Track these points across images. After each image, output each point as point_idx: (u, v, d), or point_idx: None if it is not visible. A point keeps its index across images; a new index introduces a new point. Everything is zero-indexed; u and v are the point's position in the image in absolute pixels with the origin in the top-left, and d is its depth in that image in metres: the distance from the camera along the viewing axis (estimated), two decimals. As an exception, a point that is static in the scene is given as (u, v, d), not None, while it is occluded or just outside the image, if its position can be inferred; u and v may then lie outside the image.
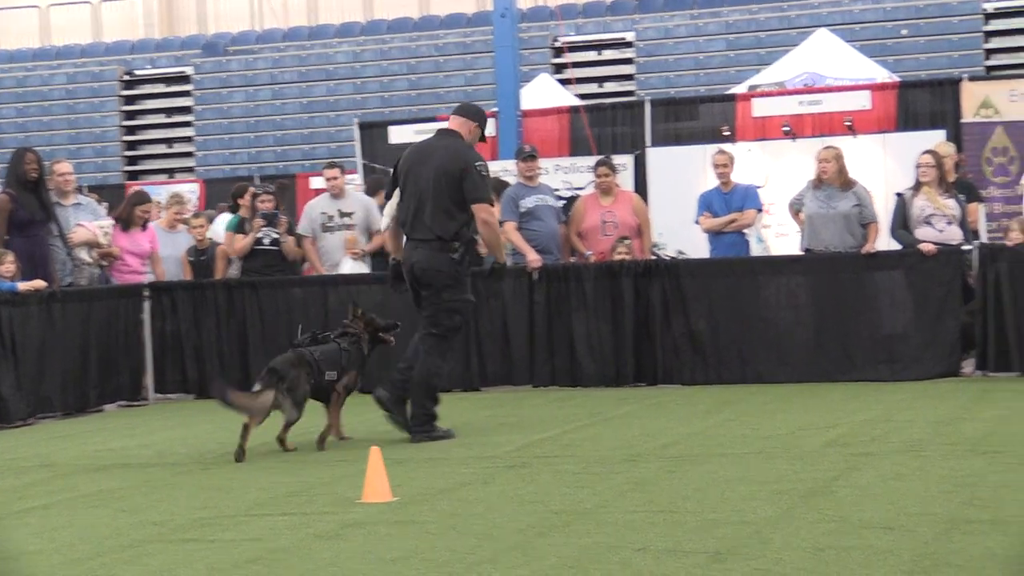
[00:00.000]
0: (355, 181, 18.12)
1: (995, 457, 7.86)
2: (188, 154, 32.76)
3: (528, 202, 13.89)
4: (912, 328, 12.80)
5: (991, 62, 22.84)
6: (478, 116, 10.21)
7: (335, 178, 14.69)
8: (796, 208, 13.49)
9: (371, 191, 16.52)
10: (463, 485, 7.77)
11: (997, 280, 12.64)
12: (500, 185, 15.04)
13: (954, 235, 12.95)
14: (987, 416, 9.89)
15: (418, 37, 32.04)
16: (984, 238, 14.36)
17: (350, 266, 14.50)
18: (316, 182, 20.13)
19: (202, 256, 14.90)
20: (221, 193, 17.93)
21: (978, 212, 14.31)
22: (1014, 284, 12.58)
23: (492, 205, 10.03)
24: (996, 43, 23.29)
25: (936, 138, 15.82)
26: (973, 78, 18.71)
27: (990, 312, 12.64)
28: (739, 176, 14.77)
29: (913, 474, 7.39)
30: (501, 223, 14.08)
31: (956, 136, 17.14)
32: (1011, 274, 12.61)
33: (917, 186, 13.05)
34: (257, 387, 9.42)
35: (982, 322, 12.67)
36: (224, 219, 16.11)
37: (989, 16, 23.40)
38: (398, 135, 19.06)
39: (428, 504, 7.18)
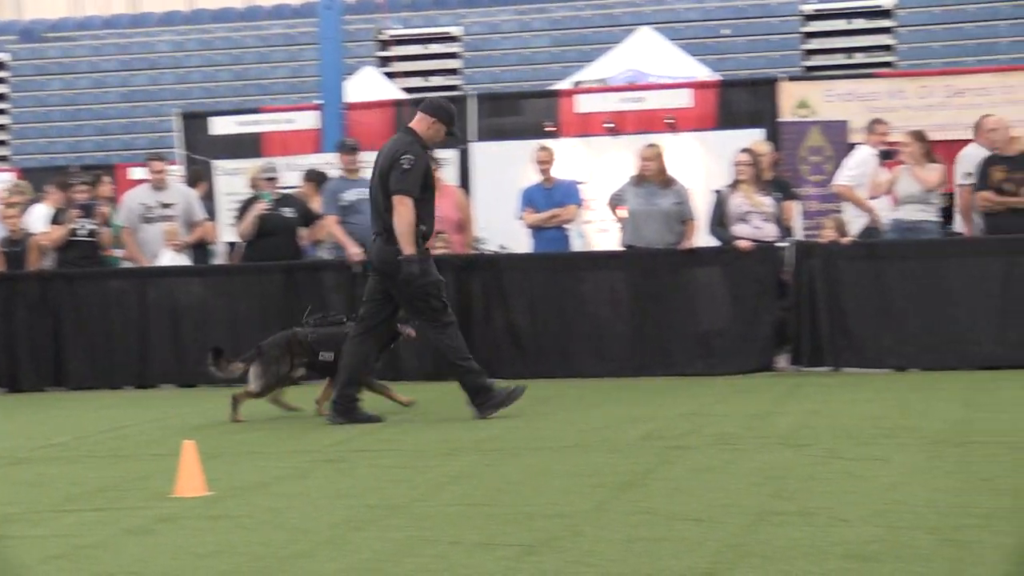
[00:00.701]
0: (176, 172, 17.85)
1: (804, 450, 8.02)
2: (2, 142, 31.98)
3: (349, 196, 13.83)
4: (728, 323, 13.04)
5: (809, 63, 23.34)
6: (438, 112, 10.29)
7: (160, 171, 14.50)
8: (615, 203, 13.65)
9: (192, 182, 16.31)
10: (280, 479, 7.71)
11: (811, 277, 12.93)
12: (318, 177, 14.97)
13: (770, 232, 13.21)
14: (798, 410, 10.10)
15: (242, 27, 31.71)
16: (800, 235, 14.65)
17: (169, 258, 14.31)
18: (137, 172, 19.79)
19: (16, 247, 14.55)
20: (38, 183, 17.56)
21: (793, 210, 14.60)
22: (827, 281, 12.88)
23: (409, 197, 10.02)
24: (814, 44, 23.80)
25: (754, 137, 16.08)
26: (791, 78, 19.08)
27: (804, 308, 12.92)
28: (562, 172, 14.88)
29: (724, 467, 7.52)
30: (322, 217, 14.05)
31: (774, 135, 17.43)
32: (825, 271, 12.91)
33: (734, 184, 13.29)
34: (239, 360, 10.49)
35: (796, 318, 12.95)
36: (39, 209, 15.74)
37: (808, 18, 23.91)
38: (220, 126, 18.82)
39: (243, 498, 7.11)
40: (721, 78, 20.12)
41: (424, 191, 10.11)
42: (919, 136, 13.80)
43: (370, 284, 10.39)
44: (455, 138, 10.77)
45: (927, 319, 12.80)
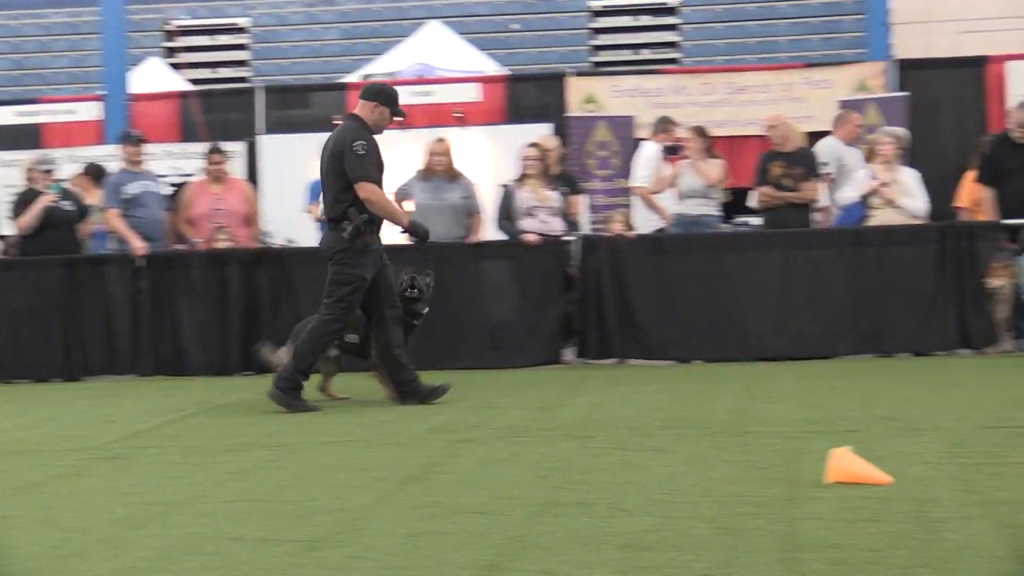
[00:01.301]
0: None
1: (587, 442, 8.11)
2: None
3: (132, 188, 13.58)
4: (516, 316, 13.13)
5: (597, 59, 23.60)
6: (379, 96, 10.27)
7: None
8: (401, 197, 13.62)
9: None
10: (56, 478, 7.53)
11: (597, 270, 13.08)
12: (96, 171, 14.67)
13: (556, 227, 13.33)
14: (584, 402, 10.21)
15: (22, 15, 30.84)
16: (586, 229, 14.82)
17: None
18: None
19: None
20: None
21: (580, 204, 14.75)
22: (613, 274, 13.05)
23: (371, 182, 10.04)
24: (602, 40, 24.07)
25: (542, 131, 16.22)
26: (578, 73, 19.29)
27: (590, 301, 13.08)
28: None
29: (509, 459, 7.57)
30: (104, 209, 13.76)
31: (561, 130, 17.61)
32: (611, 264, 13.08)
33: (522, 178, 13.38)
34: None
35: (582, 311, 13.10)
36: None
37: (596, 14, 24.17)
38: (-1, 116, 18.35)
39: (17, 498, 6.92)
40: (509, 73, 20.27)
41: (377, 174, 10.17)
42: (700, 131, 14.06)
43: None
44: (402, 118, 10.72)
45: (709, 311, 13.06)
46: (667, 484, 6.61)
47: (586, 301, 13.09)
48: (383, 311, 10.36)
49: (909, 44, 22.06)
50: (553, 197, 13.39)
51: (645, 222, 14.68)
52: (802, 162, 13.74)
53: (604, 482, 6.75)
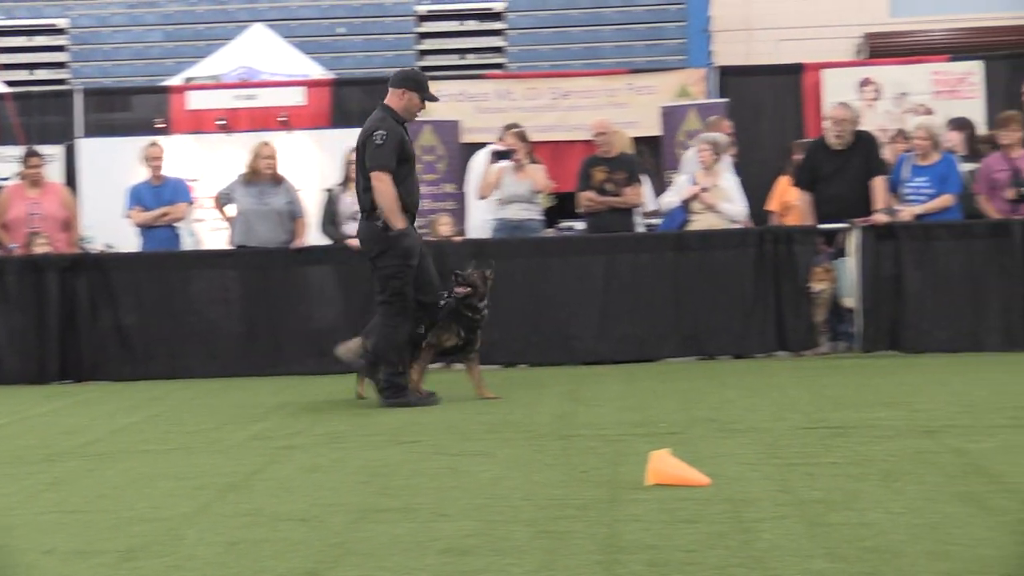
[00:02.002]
0: None
1: (411, 447, 8.10)
2: None
3: (-54, 191, 13.24)
4: (341, 322, 13.03)
5: (423, 63, 23.55)
6: (407, 82, 10.21)
7: None
8: (223, 202, 13.50)
9: None
10: None
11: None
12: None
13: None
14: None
15: None
16: (411, 234, 14.76)
17: None
18: None
19: None
20: None
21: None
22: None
23: (386, 172, 9.94)
24: (428, 44, 24.06)
25: (367, 136, 16.14)
26: (404, 78, 19.22)
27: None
28: (172, 170, 14.61)
29: (331, 465, 7.52)
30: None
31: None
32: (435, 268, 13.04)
33: (346, 182, 13.31)
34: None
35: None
36: None
37: (422, 18, 24.14)
38: None
39: None
40: (335, 77, 20.14)
41: (401, 164, 10.04)
42: (522, 136, 14.12)
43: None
44: (435, 101, 10.81)
45: (533, 316, 13.14)
46: (489, 488, 6.62)
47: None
48: (423, 301, 10.32)
49: (730, 51, 22.46)
50: (377, 202, 13.33)
51: (481, 225, 14.63)
52: (625, 167, 13.89)
53: (426, 487, 6.74)
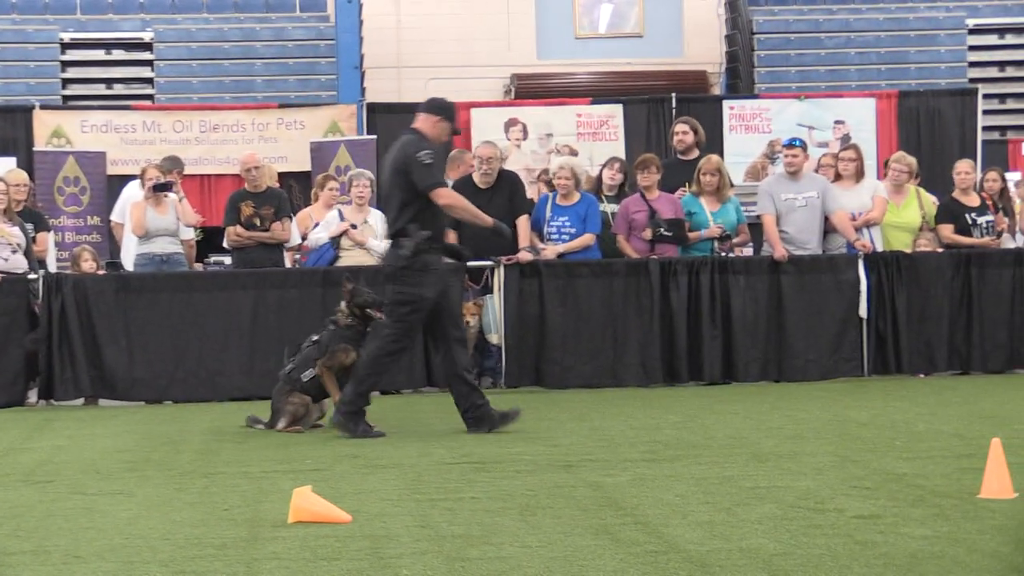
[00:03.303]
0: None
1: (46, 487, 7.85)
2: None
3: None
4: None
5: (67, 92, 22.96)
6: (442, 110, 10.04)
7: None
8: None
9: None
10: None
11: (62, 308, 12.69)
12: None
13: (20, 263, 12.88)
14: (46, 445, 9.88)
15: None
16: (53, 267, 14.34)
17: None
18: None
19: None
20: None
21: (47, 241, 14.28)
22: (80, 313, 12.70)
23: (444, 187, 9.69)
24: (72, 73, 23.45)
25: (8, 165, 15.68)
26: (45, 107, 18.73)
27: (56, 340, 12.67)
28: None
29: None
30: None
31: (29, 164, 17.07)
32: (77, 303, 12.72)
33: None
34: None
35: (47, 351, 12.67)
36: None
37: (66, 46, 23.51)
38: None
39: None
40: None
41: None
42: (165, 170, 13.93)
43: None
44: (457, 134, 10.63)
45: (179, 351, 12.93)
46: (127, 528, 6.47)
47: (51, 340, 12.67)
48: (447, 331, 9.97)
49: (382, 88, 22.65)
50: (16, 233, 12.94)
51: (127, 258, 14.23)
52: (272, 202, 13.82)
53: (61, 528, 6.54)
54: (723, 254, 13.69)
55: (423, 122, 10.04)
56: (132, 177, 15.14)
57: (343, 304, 10.54)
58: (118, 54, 22.86)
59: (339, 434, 9.79)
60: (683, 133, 14.60)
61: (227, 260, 15.06)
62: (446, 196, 9.93)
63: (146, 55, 22.75)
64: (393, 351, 9.99)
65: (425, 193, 9.73)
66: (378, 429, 9.85)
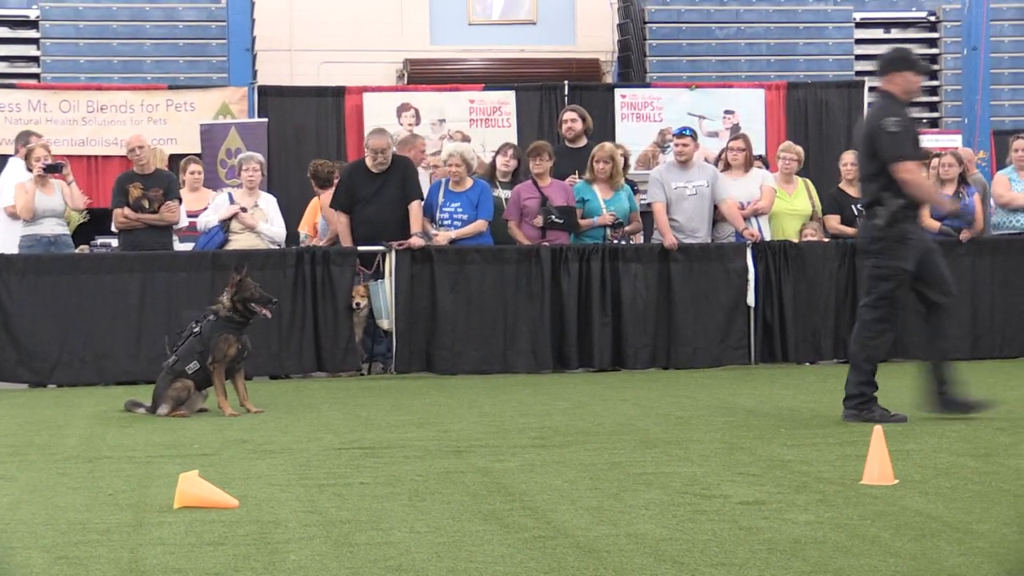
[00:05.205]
0: None
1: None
2: None
3: None
4: None
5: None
6: (895, 62, 9.48)
7: None
8: None
9: None
10: None
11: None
12: None
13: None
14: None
15: None
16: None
17: None
18: None
19: None
20: None
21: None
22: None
23: (906, 161, 9.08)
24: None
25: None
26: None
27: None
28: None
29: None
30: None
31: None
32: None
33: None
34: None
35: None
36: None
37: None
38: None
39: None
40: None
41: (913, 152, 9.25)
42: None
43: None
44: (928, 72, 9.73)
45: (64, 334, 12.75)
46: (8, 514, 6.37)
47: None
48: (935, 302, 9.43)
49: (274, 71, 22.42)
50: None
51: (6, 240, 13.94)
52: (161, 184, 13.66)
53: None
54: (615, 241, 13.76)
55: (886, 83, 9.52)
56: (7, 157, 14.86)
57: (225, 296, 10.45)
58: (3, 31, 22.39)
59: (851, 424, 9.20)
60: (572, 121, 14.66)
61: (113, 242, 14.84)
62: (906, 171, 9.21)
63: (32, 33, 22.31)
64: (880, 330, 9.42)
65: (888, 164, 9.23)
66: (898, 413, 9.25)
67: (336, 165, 15.01)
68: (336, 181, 14.33)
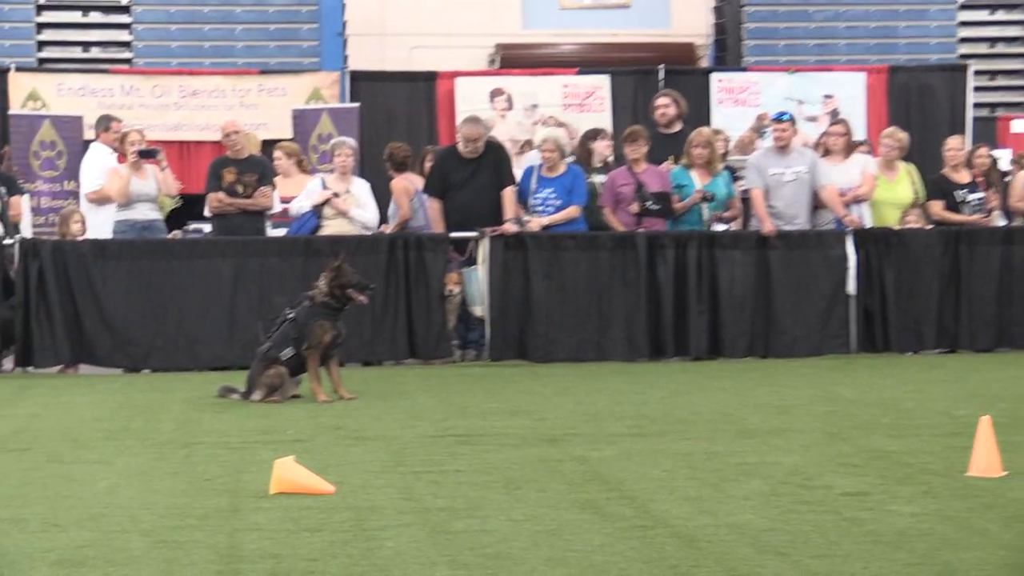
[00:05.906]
0: None
1: (23, 455, 7.74)
2: None
3: None
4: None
5: (43, 55, 22.70)
6: None
7: None
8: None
9: None
10: None
11: (40, 274, 12.53)
12: None
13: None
14: (22, 413, 9.77)
15: None
16: (28, 232, 14.16)
17: None
18: None
19: None
20: None
21: (22, 205, 14.11)
22: (58, 279, 12.54)
23: None
24: (48, 35, 23.19)
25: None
26: (22, 69, 18.50)
27: (33, 307, 12.51)
28: None
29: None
30: None
31: (4, 127, 16.90)
32: (55, 269, 12.57)
33: None
34: None
35: (24, 317, 12.51)
36: None
37: (41, 7, 23.22)
38: None
39: None
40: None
41: None
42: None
43: None
44: None
45: (158, 319, 12.78)
46: (106, 498, 6.36)
47: (27, 307, 12.51)
48: None
49: (365, 56, 22.44)
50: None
51: (102, 226, 14.00)
52: (255, 169, 13.65)
53: (38, 497, 6.43)
54: (717, 222, 13.59)
55: None
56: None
57: (322, 281, 10.40)
58: (95, 16, 22.57)
59: None
60: (665, 106, 14.48)
61: (206, 228, 14.87)
62: None
63: (124, 18, 22.47)
64: None
65: None
66: None
67: (420, 150, 14.95)
68: (422, 164, 14.27)
